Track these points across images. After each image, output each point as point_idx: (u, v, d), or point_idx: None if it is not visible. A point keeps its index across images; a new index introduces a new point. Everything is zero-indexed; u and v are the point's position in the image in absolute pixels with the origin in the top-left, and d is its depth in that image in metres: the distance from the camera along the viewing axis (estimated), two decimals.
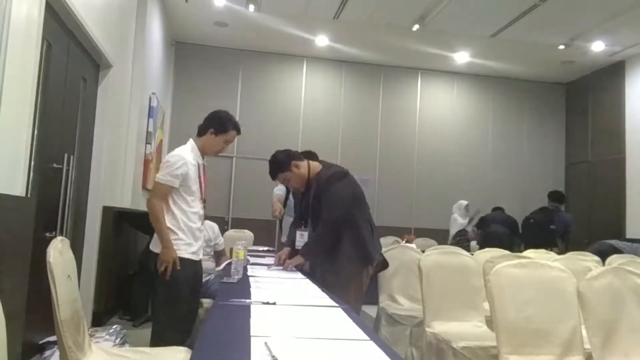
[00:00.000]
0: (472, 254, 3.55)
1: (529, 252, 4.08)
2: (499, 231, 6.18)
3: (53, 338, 2.96)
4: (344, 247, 2.81)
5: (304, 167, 3.01)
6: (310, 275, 2.83)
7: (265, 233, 7.11)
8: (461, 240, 6.42)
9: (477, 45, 7.29)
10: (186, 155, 2.67)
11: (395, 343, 3.45)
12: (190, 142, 2.79)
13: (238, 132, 2.86)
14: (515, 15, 6.17)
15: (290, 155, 3.03)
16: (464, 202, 6.94)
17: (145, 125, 5.55)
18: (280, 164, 3.01)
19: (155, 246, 2.66)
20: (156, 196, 2.62)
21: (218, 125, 2.77)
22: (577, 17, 6.15)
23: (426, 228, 7.79)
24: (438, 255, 3.19)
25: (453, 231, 6.79)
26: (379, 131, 8.21)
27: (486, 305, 2.74)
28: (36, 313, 2.66)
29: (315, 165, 3.05)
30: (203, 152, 2.80)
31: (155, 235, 2.67)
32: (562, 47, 6.98)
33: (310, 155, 3.47)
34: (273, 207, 4.45)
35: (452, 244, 6.12)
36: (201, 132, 2.79)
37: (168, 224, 2.62)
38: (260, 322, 1.50)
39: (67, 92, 3.49)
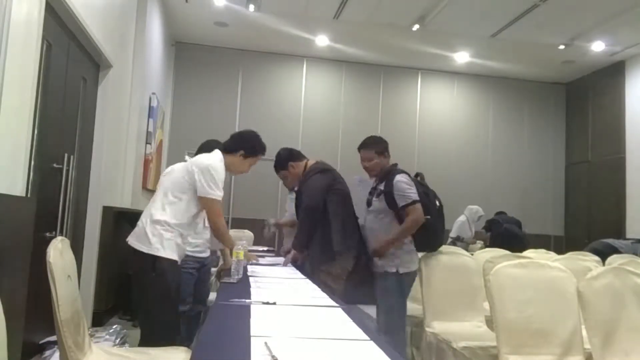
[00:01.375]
0: (472, 254, 3.55)
1: (529, 252, 4.08)
2: (514, 230, 6.08)
3: (53, 338, 2.96)
4: (316, 236, 3.01)
5: (299, 167, 3.25)
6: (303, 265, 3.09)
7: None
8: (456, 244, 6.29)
9: (477, 45, 7.28)
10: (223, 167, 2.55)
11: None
12: (220, 155, 2.58)
13: (264, 154, 2.75)
14: (515, 15, 6.17)
15: (290, 155, 3.29)
16: (481, 214, 6.67)
17: (145, 125, 5.55)
18: (280, 162, 3.31)
19: (149, 247, 2.33)
20: (220, 215, 2.47)
21: (250, 148, 2.64)
22: (577, 17, 6.15)
23: None
24: (438, 255, 3.20)
25: (455, 232, 6.69)
26: (379, 131, 8.18)
27: (486, 305, 2.74)
28: (36, 313, 2.66)
29: (310, 165, 3.27)
30: (227, 169, 2.59)
31: (141, 233, 2.34)
32: (562, 47, 6.97)
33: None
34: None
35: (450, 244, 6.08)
36: (230, 150, 2.62)
37: (186, 222, 2.44)
38: (260, 322, 1.50)
39: (67, 92, 3.49)
